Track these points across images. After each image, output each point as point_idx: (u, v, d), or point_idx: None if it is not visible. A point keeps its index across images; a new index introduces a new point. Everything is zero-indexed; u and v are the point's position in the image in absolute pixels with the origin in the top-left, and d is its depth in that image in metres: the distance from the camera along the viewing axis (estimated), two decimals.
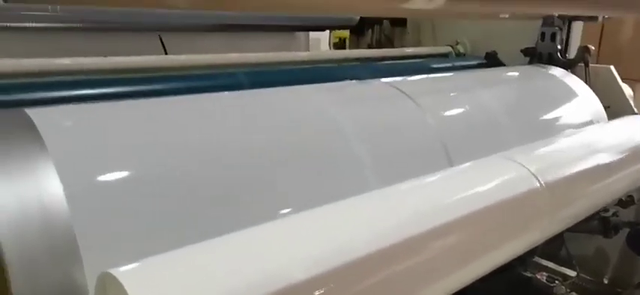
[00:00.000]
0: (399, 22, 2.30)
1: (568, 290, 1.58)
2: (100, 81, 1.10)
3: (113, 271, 0.53)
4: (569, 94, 1.54)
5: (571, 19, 1.79)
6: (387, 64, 1.79)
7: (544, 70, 1.67)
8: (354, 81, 1.27)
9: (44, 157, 0.65)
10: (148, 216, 0.69)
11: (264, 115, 0.95)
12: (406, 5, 0.37)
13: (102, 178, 0.70)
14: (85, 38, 1.51)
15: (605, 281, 1.76)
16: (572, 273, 1.63)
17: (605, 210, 1.51)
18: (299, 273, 0.59)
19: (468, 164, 0.99)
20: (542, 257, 1.65)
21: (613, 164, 1.18)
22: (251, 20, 1.78)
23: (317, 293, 0.59)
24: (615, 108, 1.62)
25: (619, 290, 1.73)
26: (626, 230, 1.58)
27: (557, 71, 1.65)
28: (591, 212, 1.23)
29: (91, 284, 0.58)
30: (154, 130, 0.81)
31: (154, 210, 0.70)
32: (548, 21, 1.75)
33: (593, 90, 1.60)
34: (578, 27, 1.82)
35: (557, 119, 1.45)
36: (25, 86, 1.01)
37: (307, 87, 1.13)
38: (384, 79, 1.25)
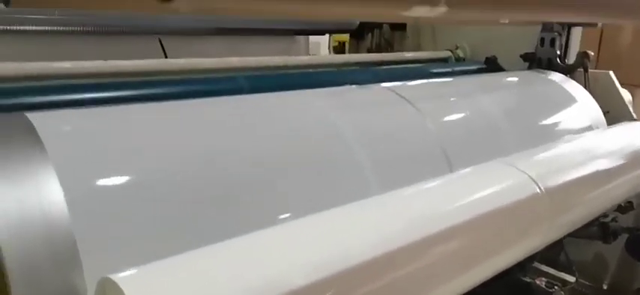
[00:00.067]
0: (399, 27, 2.30)
1: None
2: (101, 85, 1.10)
3: (113, 276, 0.53)
4: (569, 100, 1.54)
5: (570, 25, 1.80)
6: (386, 68, 1.79)
7: (543, 75, 1.67)
8: (354, 86, 1.27)
9: (44, 162, 0.65)
10: (148, 221, 0.69)
11: (264, 120, 0.95)
12: (408, 13, 0.38)
13: (102, 183, 0.70)
14: (84, 41, 1.51)
15: (605, 287, 1.76)
16: (571, 279, 1.63)
17: (605, 215, 1.51)
18: (299, 279, 0.59)
19: (467, 169, 0.99)
20: (541, 263, 1.65)
21: (612, 170, 1.18)
22: (251, 24, 1.79)
23: None
24: (614, 113, 1.62)
25: None
26: (625, 236, 1.58)
27: (556, 76, 1.66)
28: (591, 218, 1.23)
29: (91, 289, 0.58)
30: (154, 135, 0.81)
31: (154, 216, 0.70)
32: (547, 26, 1.76)
33: (593, 96, 1.60)
34: (577, 32, 1.83)
35: (556, 124, 1.45)
36: (25, 90, 1.01)
37: (307, 92, 1.13)
38: (383, 84, 1.25)
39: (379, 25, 2.40)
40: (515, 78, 1.66)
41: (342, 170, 0.94)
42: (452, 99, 1.34)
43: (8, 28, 1.34)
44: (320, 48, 2.41)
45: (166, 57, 1.55)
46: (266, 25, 1.84)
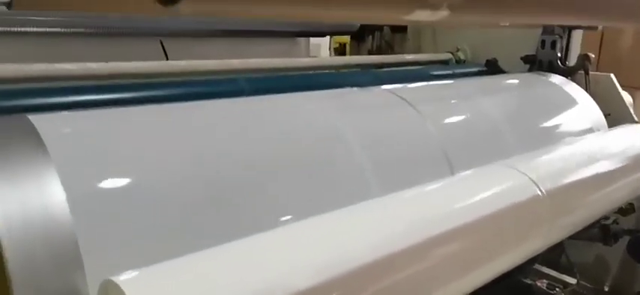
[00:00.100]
0: (400, 29, 2.31)
1: None
2: (102, 87, 1.10)
3: (115, 278, 0.53)
4: (570, 102, 1.54)
5: (571, 27, 1.80)
6: (387, 70, 1.79)
7: (544, 77, 1.67)
8: (355, 88, 1.27)
9: (46, 163, 0.65)
10: (150, 222, 0.69)
11: (266, 123, 0.95)
12: (410, 17, 0.38)
13: (104, 185, 0.70)
14: (86, 43, 1.51)
15: (606, 289, 1.76)
16: (572, 281, 1.63)
17: (606, 217, 1.51)
18: (301, 282, 0.59)
19: (469, 172, 0.99)
20: (542, 265, 1.65)
21: (614, 172, 1.18)
22: (252, 26, 1.79)
23: None
24: (615, 115, 1.62)
25: None
26: (626, 238, 1.58)
27: (557, 79, 1.66)
28: (592, 220, 1.23)
29: (93, 291, 0.58)
30: (156, 137, 0.81)
31: (156, 217, 0.70)
32: (548, 29, 1.76)
33: (593, 98, 1.60)
34: (578, 35, 1.83)
35: (557, 127, 1.45)
36: (27, 91, 1.01)
37: (308, 94, 1.14)
38: (384, 86, 1.26)
39: (380, 27, 2.40)
40: (516, 81, 1.67)
41: (343, 172, 0.94)
42: (453, 101, 1.34)
43: (9, 29, 1.35)
44: (320, 49, 2.42)
45: (167, 58, 1.56)
46: (267, 27, 1.85)
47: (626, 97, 1.69)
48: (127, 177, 0.72)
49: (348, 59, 2.05)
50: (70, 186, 0.64)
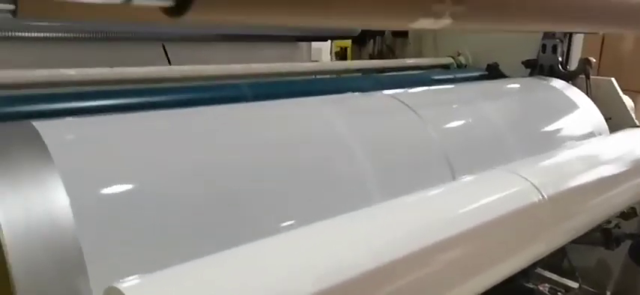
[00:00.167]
0: (401, 33, 2.31)
1: None
2: (105, 93, 1.11)
3: (118, 285, 0.53)
4: (571, 106, 1.55)
5: (572, 32, 1.80)
6: (388, 75, 1.80)
7: (545, 81, 1.67)
8: (356, 93, 1.27)
9: (51, 169, 0.66)
10: (153, 228, 0.69)
11: (268, 129, 0.95)
12: (413, 25, 0.38)
13: (107, 190, 0.70)
14: (88, 48, 1.52)
15: (608, 293, 1.76)
16: (574, 285, 1.62)
17: (608, 221, 1.51)
18: (303, 288, 0.59)
19: (470, 177, 0.99)
20: (544, 269, 1.65)
21: (615, 177, 1.18)
22: (254, 31, 1.80)
23: None
24: (617, 119, 1.62)
25: None
26: (628, 242, 1.58)
27: (558, 83, 1.66)
28: (594, 225, 1.23)
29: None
30: (159, 143, 0.82)
31: (159, 223, 0.70)
32: (549, 33, 1.76)
33: (595, 102, 1.60)
34: (578, 39, 1.84)
35: (558, 131, 1.46)
36: (30, 98, 1.01)
37: (310, 99, 1.14)
38: (386, 91, 1.26)
39: (381, 32, 2.41)
40: (517, 85, 1.67)
41: (345, 178, 0.94)
42: (454, 106, 1.34)
43: (13, 34, 1.35)
44: (322, 53, 2.43)
45: (170, 63, 1.56)
46: (269, 32, 1.85)
47: (628, 101, 1.69)
48: (130, 183, 0.73)
49: (350, 64, 2.05)
50: (74, 192, 0.64)
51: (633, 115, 1.67)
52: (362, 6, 0.38)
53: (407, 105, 1.18)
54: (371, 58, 2.44)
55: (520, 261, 0.94)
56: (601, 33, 1.93)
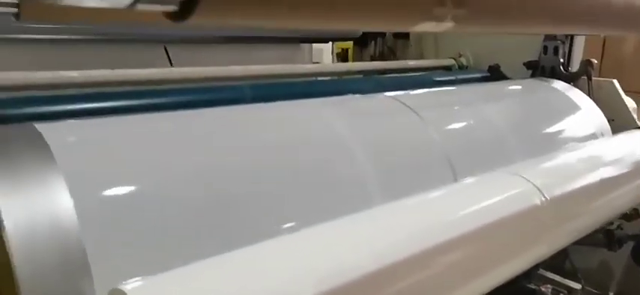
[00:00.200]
0: (402, 35, 2.31)
1: None
2: (107, 95, 1.11)
3: (123, 287, 0.53)
4: (573, 108, 1.54)
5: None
6: (390, 76, 1.80)
7: (547, 83, 1.67)
8: (358, 95, 1.27)
9: (54, 171, 0.66)
10: (157, 230, 0.69)
11: (270, 130, 0.95)
12: (415, 28, 0.38)
13: (111, 192, 0.71)
14: (89, 49, 1.52)
15: (610, 294, 1.75)
16: (576, 286, 1.62)
17: (610, 223, 1.51)
18: (304, 291, 0.59)
19: (472, 179, 0.99)
20: (546, 270, 1.64)
21: (618, 178, 1.18)
22: (255, 32, 1.80)
23: None
24: (619, 121, 1.62)
25: None
26: (630, 244, 1.58)
27: (560, 84, 1.66)
28: (596, 226, 1.23)
29: None
30: (161, 145, 0.82)
31: (162, 225, 0.70)
32: (550, 35, 1.76)
33: (597, 104, 1.60)
34: (580, 41, 1.83)
35: (560, 133, 1.46)
36: (33, 100, 1.02)
37: (311, 101, 1.14)
38: (387, 93, 1.26)
39: (382, 33, 2.41)
40: (519, 87, 1.67)
41: (346, 180, 0.94)
42: (456, 107, 1.34)
43: (14, 36, 1.36)
44: (323, 55, 2.43)
45: (171, 65, 1.57)
46: (270, 33, 1.86)
47: (630, 102, 1.69)
48: (133, 185, 0.73)
49: (351, 65, 2.05)
50: (77, 194, 0.64)
51: (635, 117, 1.67)
52: (364, 10, 0.39)
53: (408, 106, 1.18)
54: (372, 59, 2.45)
55: (522, 263, 0.94)
56: (603, 35, 1.93)
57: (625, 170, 1.22)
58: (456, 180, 1.07)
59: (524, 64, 1.82)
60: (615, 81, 1.70)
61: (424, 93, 1.42)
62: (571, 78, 1.72)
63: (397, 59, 2.28)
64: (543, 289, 1.56)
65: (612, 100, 1.66)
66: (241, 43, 1.83)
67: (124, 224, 0.68)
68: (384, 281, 0.68)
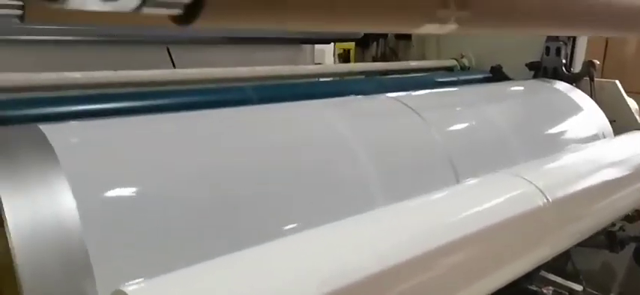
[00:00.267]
0: (404, 36, 2.32)
1: None
2: (110, 96, 1.12)
3: (125, 288, 0.53)
4: (575, 109, 1.54)
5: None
6: (392, 77, 1.80)
7: (549, 84, 1.67)
8: (360, 96, 1.28)
9: (57, 172, 0.66)
10: (159, 231, 0.70)
11: (272, 132, 0.96)
12: (419, 30, 0.39)
13: (114, 193, 0.71)
14: (93, 51, 1.53)
15: None
16: (578, 288, 1.62)
17: (612, 224, 1.50)
18: (307, 292, 0.59)
19: (474, 180, 0.99)
20: (548, 271, 1.64)
21: (620, 180, 1.18)
22: (257, 33, 1.80)
23: None
24: (621, 122, 1.62)
25: None
26: (632, 245, 1.58)
27: (562, 85, 1.66)
28: (599, 228, 1.23)
29: None
30: (164, 146, 0.82)
31: (165, 226, 0.70)
32: (552, 36, 1.76)
33: (599, 105, 1.60)
34: (582, 42, 1.83)
35: (563, 133, 1.45)
36: (37, 101, 1.02)
37: (314, 102, 1.14)
38: (389, 94, 1.26)
39: (384, 34, 2.41)
40: (521, 88, 1.67)
41: (349, 181, 0.94)
42: (458, 108, 1.34)
43: (18, 37, 1.36)
44: (325, 55, 2.44)
45: (174, 66, 1.57)
46: (272, 34, 1.86)
47: (632, 103, 1.69)
48: (136, 186, 0.73)
49: (353, 66, 2.06)
50: (80, 195, 0.65)
51: (638, 117, 1.67)
52: (367, 13, 0.39)
53: (410, 107, 1.18)
54: (374, 60, 2.45)
55: (524, 265, 0.94)
56: (605, 37, 1.93)
57: (627, 171, 1.21)
58: (458, 181, 1.07)
59: (526, 64, 1.82)
60: (617, 82, 1.70)
61: (426, 94, 1.42)
62: (573, 79, 1.72)
63: (399, 60, 2.28)
64: (545, 291, 1.56)
65: (614, 101, 1.66)
66: (243, 44, 1.83)
67: (127, 226, 0.68)
68: (387, 283, 0.68)
